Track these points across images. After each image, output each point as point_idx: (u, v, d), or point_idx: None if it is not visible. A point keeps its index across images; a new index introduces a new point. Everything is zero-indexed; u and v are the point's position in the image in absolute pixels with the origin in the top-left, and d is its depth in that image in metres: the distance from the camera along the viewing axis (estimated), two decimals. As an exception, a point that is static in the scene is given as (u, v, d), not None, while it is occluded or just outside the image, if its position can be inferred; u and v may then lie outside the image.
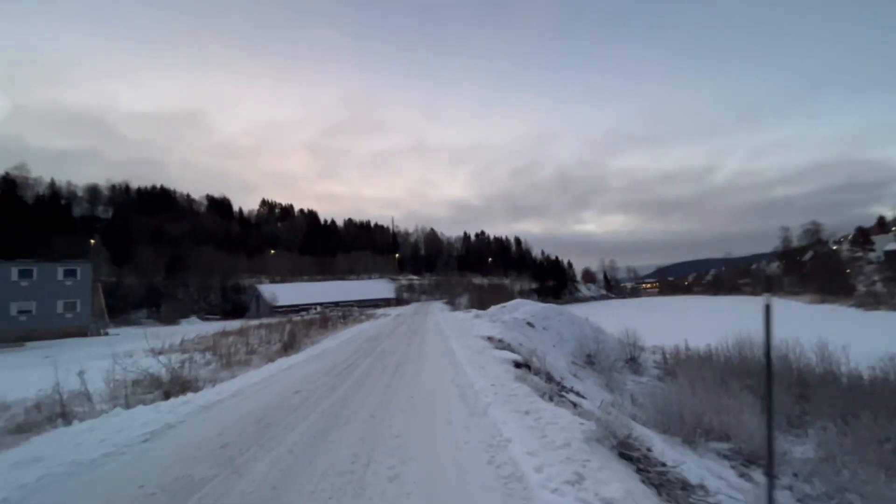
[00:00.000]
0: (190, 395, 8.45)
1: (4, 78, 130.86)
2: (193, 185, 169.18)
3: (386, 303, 72.22)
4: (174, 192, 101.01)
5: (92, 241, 76.76)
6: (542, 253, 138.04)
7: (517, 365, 8.10)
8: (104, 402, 9.18)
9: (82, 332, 31.85)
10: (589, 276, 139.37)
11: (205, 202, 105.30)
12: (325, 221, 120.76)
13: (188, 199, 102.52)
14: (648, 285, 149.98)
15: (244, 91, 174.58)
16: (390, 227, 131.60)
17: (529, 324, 18.70)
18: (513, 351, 9.88)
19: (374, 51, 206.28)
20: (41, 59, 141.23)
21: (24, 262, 31.34)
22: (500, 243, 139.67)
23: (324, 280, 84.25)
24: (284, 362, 10.43)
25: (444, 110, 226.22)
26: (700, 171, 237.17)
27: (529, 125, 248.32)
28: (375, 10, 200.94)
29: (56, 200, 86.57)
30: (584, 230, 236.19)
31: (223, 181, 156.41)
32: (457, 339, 12.35)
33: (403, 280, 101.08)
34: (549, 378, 9.73)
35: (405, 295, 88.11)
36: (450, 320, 24.19)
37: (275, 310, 56.57)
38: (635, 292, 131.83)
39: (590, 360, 17.62)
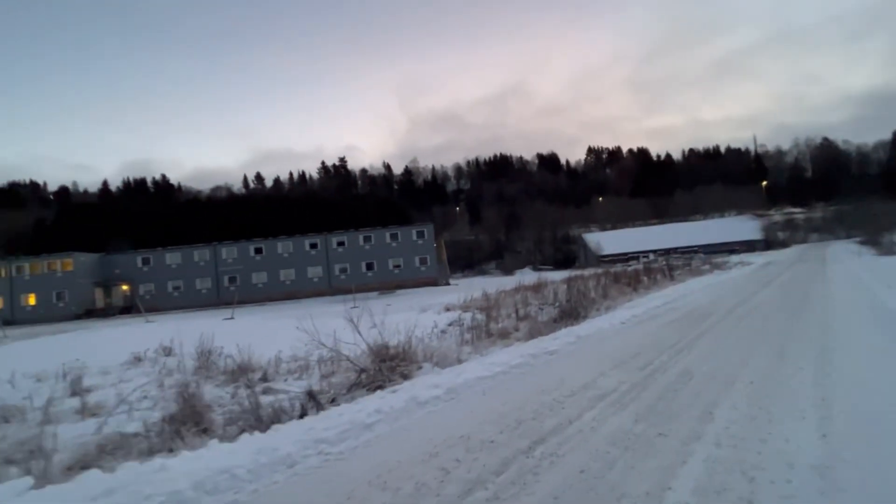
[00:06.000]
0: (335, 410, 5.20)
1: (403, 103, 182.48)
2: (525, 148, 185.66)
3: (748, 247, 54.48)
4: (510, 157, 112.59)
5: (457, 208, 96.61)
6: None
7: None
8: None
9: (433, 282, 38.36)
10: None
11: (535, 161, 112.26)
12: (658, 157, 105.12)
13: (521, 161, 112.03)
14: None
15: (554, 49, 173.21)
16: (751, 148, 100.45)
17: None
18: None
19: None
20: (418, 80, 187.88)
21: (393, 228, 40.77)
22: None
23: (659, 224, 72.88)
24: (485, 364, 5.69)
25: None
26: None
27: None
28: None
29: (435, 181, 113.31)
30: None
31: (550, 139, 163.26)
32: None
33: (776, 215, 74.84)
34: None
35: (780, 235, 64.64)
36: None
37: (601, 259, 52.33)
38: None
39: None
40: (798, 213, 77.16)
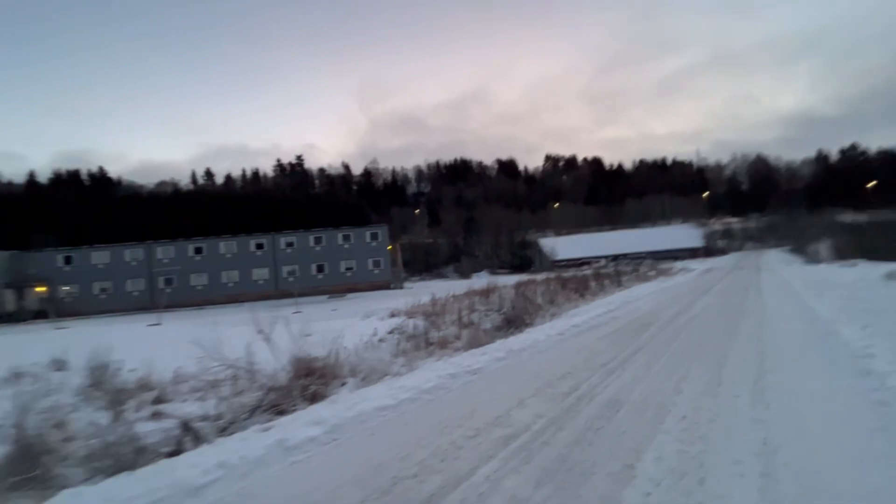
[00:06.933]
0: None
1: (364, 104, 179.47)
2: (485, 153, 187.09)
3: (691, 253, 57.34)
4: (470, 161, 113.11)
5: (416, 210, 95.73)
6: None
7: None
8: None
9: (386, 286, 37.38)
10: None
11: (495, 166, 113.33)
12: (611, 167, 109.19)
13: (480, 166, 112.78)
14: None
15: (515, 57, 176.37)
16: (694, 161, 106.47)
17: None
18: None
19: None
20: (380, 82, 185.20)
21: (346, 229, 39.40)
22: (891, 159, 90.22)
23: (611, 230, 75.46)
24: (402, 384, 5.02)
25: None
26: None
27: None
28: None
29: (395, 183, 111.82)
30: None
31: (509, 145, 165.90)
32: None
33: (716, 224, 79.54)
34: None
35: (719, 243, 68.86)
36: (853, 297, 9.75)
37: (554, 264, 53.25)
38: None
39: None
40: (735, 222, 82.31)
